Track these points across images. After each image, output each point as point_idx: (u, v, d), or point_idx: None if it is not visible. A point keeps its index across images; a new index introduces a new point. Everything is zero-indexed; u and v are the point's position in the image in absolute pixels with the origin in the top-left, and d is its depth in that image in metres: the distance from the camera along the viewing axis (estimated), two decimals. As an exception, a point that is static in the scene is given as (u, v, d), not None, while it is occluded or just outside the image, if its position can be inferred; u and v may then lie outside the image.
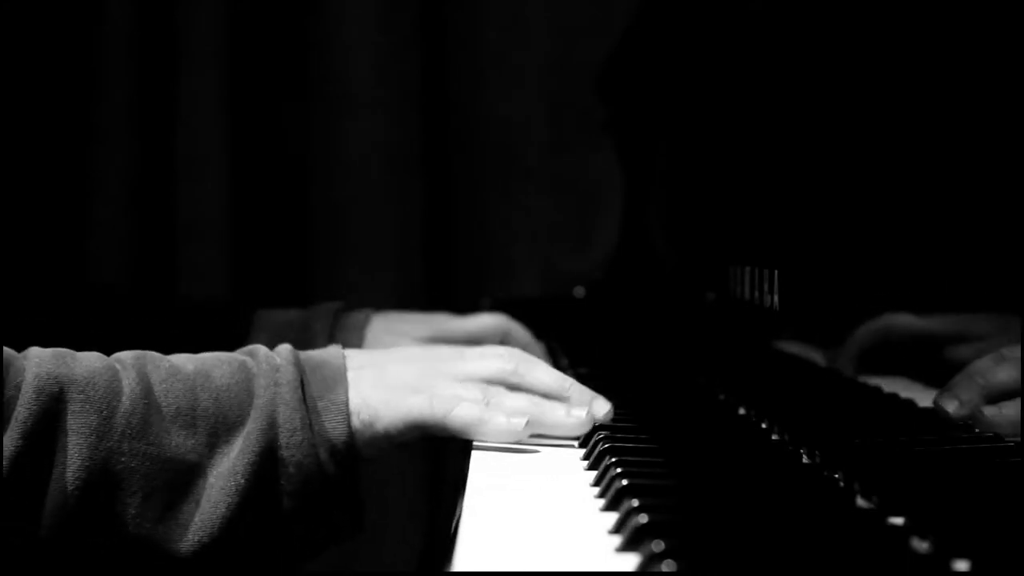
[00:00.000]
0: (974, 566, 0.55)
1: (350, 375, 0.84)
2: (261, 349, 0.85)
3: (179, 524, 0.77)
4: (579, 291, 1.62)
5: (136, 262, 1.84)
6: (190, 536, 0.77)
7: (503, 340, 1.22)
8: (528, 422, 0.84)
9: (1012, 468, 0.77)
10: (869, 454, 0.79)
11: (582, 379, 1.13)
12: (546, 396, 0.88)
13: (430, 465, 1.83)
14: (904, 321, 1.09)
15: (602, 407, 0.88)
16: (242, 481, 0.78)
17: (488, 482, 0.75)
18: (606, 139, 1.69)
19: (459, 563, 0.59)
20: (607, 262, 1.66)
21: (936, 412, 0.91)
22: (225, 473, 0.78)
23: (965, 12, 0.94)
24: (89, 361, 0.78)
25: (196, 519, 0.77)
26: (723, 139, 1.30)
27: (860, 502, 0.68)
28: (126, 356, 0.81)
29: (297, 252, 1.89)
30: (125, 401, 0.77)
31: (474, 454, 0.83)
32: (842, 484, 0.72)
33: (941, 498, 0.68)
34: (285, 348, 0.85)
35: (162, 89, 1.83)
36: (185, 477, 0.78)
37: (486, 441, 0.84)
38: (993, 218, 0.96)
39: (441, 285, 1.90)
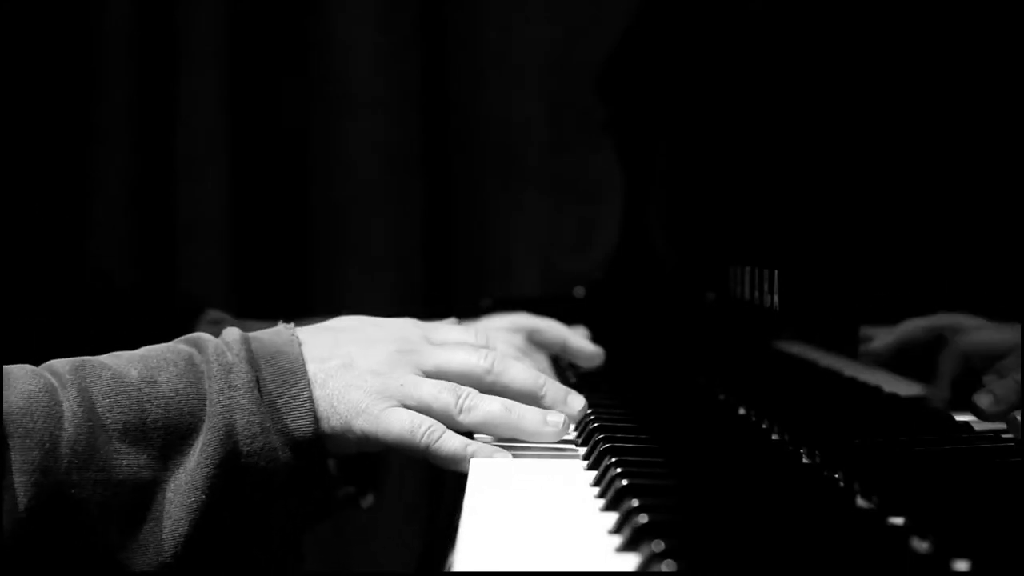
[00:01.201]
0: (974, 566, 0.55)
1: (311, 368, 0.80)
2: (210, 342, 0.79)
3: (140, 545, 0.74)
4: (579, 291, 1.62)
5: (136, 262, 1.84)
6: (154, 556, 0.74)
7: None
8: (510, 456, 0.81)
9: (1012, 468, 0.77)
10: (869, 454, 0.79)
11: (582, 379, 1.14)
12: (520, 396, 0.85)
13: (430, 465, 1.83)
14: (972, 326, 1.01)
15: (576, 403, 0.86)
16: (203, 496, 0.74)
17: (488, 481, 0.75)
18: (606, 139, 1.69)
19: (459, 563, 0.59)
20: (607, 262, 1.66)
21: (939, 413, 0.90)
22: (184, 488, 0.74)
23: (968, 11, 0.94)
24: (24, 384, 0.72)
25: (158, 539, 0.74)
26: (723, 139, 1.30)
27: (860, 502, 0.68)
28: (63, 368, 0.75)
29: (297, 252, 1.89)
30: (67, 427, 0.72)
31: (474, 454, 0.83)
32: (842, 484, 0.72)
33: (941, 498, 0.68)
34: (234, 338, 0.79)
35: (162, 89, 1.83)
36: (141, 496, 0.74)
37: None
38: (996, 215, 0.96)
39: (441, 285, 1.90)
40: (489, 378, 0.85)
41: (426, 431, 0.80)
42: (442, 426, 0.81)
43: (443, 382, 0.83)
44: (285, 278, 1.89)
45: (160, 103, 1.84)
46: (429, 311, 1.77)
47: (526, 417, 0.83)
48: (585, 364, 1.13)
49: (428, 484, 1.85)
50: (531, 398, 0.85)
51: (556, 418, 0.83)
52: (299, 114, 1.88)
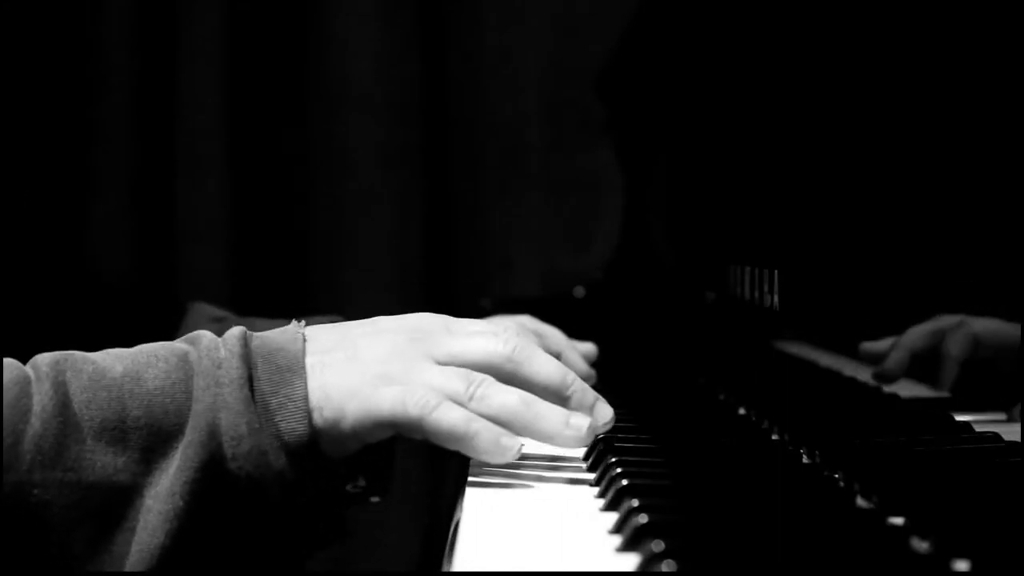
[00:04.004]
0: (974, 566, 0.55)
1: (310, 361, 0.71)
2: (204, 337, 0.72)
3: (113, 556, 0.67)
4: (579, 291, 1.62)
5: (136, 262, 1.84)
6: (127, 569, 0.66)
7: None
8: (521, 446, 0.72)
9: (1012, 468, 0.77)
10: (869, 454, 0.79)
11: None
12: (544, 392, 0.74)
13: (430, 465, 1.83)
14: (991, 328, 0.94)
15: (604, 413, 0.76)
16: (181, 503, 0.66)
17: (488, 481, 0.75)
18: (606, 139, 1.69)
19: (459, 563, 0.59)
20: (607, 262, 1.66)
21: (939, 413, 0.90)
22: (163, 494, 0.67)
23: (967, 12, 0.94)
24: None
25: (132, 550, 0.67)
26: (723, 139, 1.30)
27: (860, 502, 0.68)
28: (43, 362, 0.69)
29: (297, 251, 1.89)
30: (34, 422, 0.65)
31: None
32: (842, 484, 0.72)
33: (941, 498, 0.68)
34: (234, 335, 0.72)
35: (162, 89, 1.83)
36: (116, 502, 0.67)
37: (469, 455, 0.73)
38: (995, 215, 0.96)
39: (441, 285, 1.90)
40: (509, 366, 0.74)
41: (419, 400, 0.70)
42: (440, 396, 0.71)
43: (454, 368, 0.73)
44: (285, 278, 1.89)
45: (160, 103, 1.84)
46: (429, 311, 1.77)
47: (545, 416, 0.73)
48: None
49: (429, 482, 1.85)
50: (556, 396, 0.75)
51: (580, 421, 0.73)
52: (299, 114, 1.88)
